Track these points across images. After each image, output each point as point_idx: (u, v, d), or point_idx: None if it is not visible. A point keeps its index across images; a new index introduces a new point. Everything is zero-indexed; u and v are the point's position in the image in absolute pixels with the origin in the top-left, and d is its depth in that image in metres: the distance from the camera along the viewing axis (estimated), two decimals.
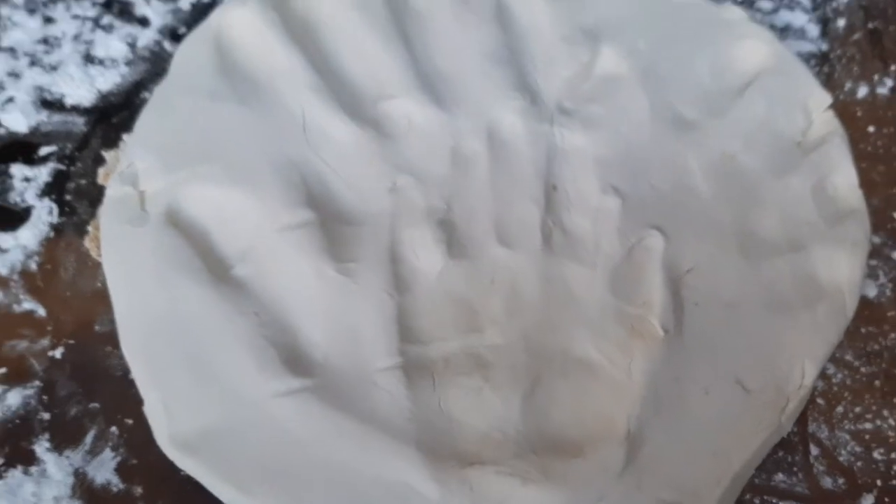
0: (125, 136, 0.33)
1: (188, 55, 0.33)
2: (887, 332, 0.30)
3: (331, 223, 0.30)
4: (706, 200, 0.30)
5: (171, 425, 0.26)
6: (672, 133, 0.32)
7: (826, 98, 0.32)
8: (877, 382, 0.29)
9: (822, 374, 0.29)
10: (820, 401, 0.29)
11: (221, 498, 0.26)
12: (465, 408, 0.27)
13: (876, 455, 0.28)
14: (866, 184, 0.31)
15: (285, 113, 0.32)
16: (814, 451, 0.28)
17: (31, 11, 0.40)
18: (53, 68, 0.38)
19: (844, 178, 0.30)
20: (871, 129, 0.34)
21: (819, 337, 0.28)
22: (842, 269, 0.29)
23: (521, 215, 0.30)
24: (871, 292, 0.31)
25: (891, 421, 0.29)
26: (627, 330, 0.28)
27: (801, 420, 0.29)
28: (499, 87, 0.32)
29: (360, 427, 0.27)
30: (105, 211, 0.30)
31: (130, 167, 0.31)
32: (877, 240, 0.32)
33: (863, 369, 0.30)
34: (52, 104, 0.37)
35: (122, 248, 0.29)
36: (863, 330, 0.30)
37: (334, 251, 0.29)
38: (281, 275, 0.29)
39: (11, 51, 0.39)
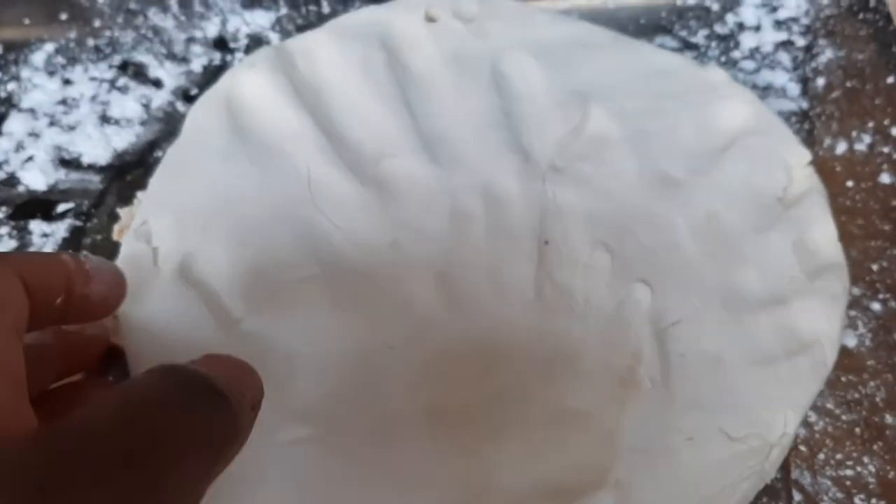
0: (139, 194, 0.35)
1: (200, 117, 0.35)
2: (867, 381, 0.31)
3: (336, 277, 0.31)
4: (691, 257, 0.32)
5: None
6: (659, 191, 0.33)
7: (806, 155, 0.33)
8: (857, 430, 0.30)
9: (805, 422, 0.30)
10: (802, 448, 0.30)
11: None
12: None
13: (857, 501, 0.29)
14: (845, 237, 0.32)
15: (293, 172, 0.33)
16: (797, 497, 0.30)
17: (51, 73, 0.42)
18: (72, 128, 0.40)
19: (824, 232, 0.32)
20: (849, 183, 0.36)
21: (801, 386, 0.29)
22: (822, 321, 0.30)
23: (515, 271, 0.32)
24: (851, 342, 0.32)
25: (871, 467, 0.29)
26: (617, 381, 0.30)
27: (785, 467, 0.30)
28: (494, 149, 0.34)
29: (370, 471, 0.28)
30: (121, 265, 0.31)
31: (144, 225, 0.32)
32: (856, 291, 0.33)
33: (844, 417, 0.31)
34: (69, 163, 0.39)
35: (135, 302, 0.30)
36: (843, 378, 0.31)
37: (339, 303, 0.31)
38: (288, 326, 0.30)
39: (31, 111, 0.41)
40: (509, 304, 0.31)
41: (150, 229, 0.32)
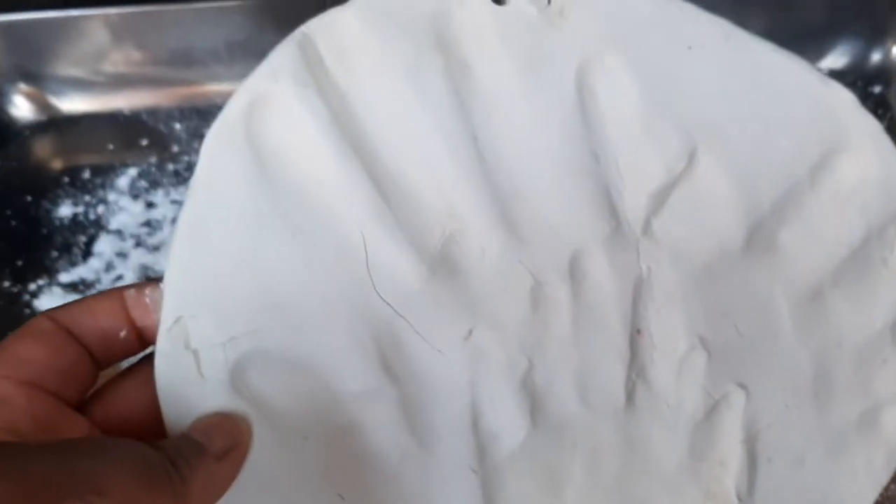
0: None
1: (216, 158, 0.27)
2: None
3: (406, 385, 0.27)
4: (789, 345, 0.29)
5: None
6: (760, 257, 0.29)
7: None
8: None
9: None
10: None
11: None
12: None
13: None
14: None
15: (343, 243, 0.27)
16: None
17: (135, 197, 0.44)
18: (156, 248, 0.41)
19: None
20: None
21: (871, 481, 0.30)
22: None
23: (605, 371, 0.29)
24: None
25: None
26: (702, 492, 0.29)
27: None
28: (579, 205, 0.28)
29: None
30: (160, 372, 0.26)
31: (179, 323, 0.26)
32: None
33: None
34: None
35: (184, 421, 0.26)
36: None
37: (411, 419, 0.27)
38: (358, 450, 0.27)
39: (119, 233, 0.42)
40: (598, 412, 0.28)
41: (186, 327, 0.26)
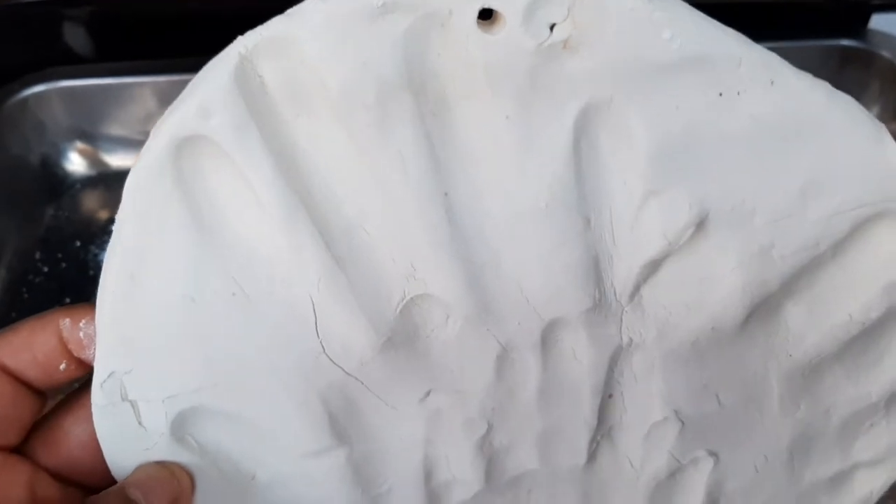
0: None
1: (142, 205, 0.23)
2: None
3: (357, 443, 0.26)
4: (772, 417, 0.27)
5: None
6: (761, 336, 0.26)
7: None
8: None
9: None
10: None
11: None
12: None
13: None
14: None
15: (290, 304, 0.24)
16: None
17: None
18: None
19: None
20: None
21: None
22: (879, 481, 0.28)
23: (570, 435, 0.27)
24: None
25: None
26: None
27: None
28: (562, 277, 0.24)
29: None
30: (98, 422, 0.25)
31: (112, 377, 0.24)
32: None
33: None
34: None
35: (131, 466, 0.25)
36: None
37: (361, 474, 0.26)
38: (306, 497, 0.26)
39: None
40: (558, 470, 0.27)
41: (120, 381, 0.24)
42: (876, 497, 0.29)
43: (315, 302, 0.24)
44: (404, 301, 0.24)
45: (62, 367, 0.25)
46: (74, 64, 0.55)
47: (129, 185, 0.23)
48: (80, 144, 0.57)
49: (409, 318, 0.25)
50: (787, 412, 0.27)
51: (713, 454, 0.27)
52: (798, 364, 0.26)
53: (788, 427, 0.27)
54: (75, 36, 0.56)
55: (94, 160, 0.58)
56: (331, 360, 0.25)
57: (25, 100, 0.55)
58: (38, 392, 0.25)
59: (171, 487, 0.25)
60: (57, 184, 0.57)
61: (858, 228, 0.24)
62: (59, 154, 0.57)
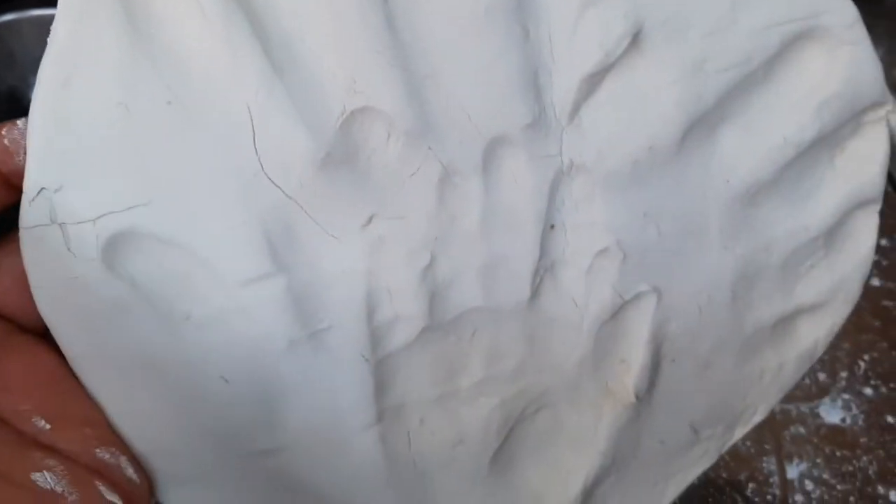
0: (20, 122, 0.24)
1: (76, 8, 0.23)
2: (860, 456, 0.35)
3: (296, 272, 0.25)
4: (712, 249, 0.27)
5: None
6: (697, 158, 0.26)
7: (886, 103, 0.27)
8: (851, 498, 0.34)
9: (803, 490, 0.34)
10: None
11: None
12: (439, 465, 0.28)
13: None
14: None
15: (227, 116, 0.23)
16: None
17: None
18: None
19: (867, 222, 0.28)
20: None
21: (777, 385, 0.30)
22: (823, 329, 0.29)
23: (512, 267, 0.27)
24: (847, 421, 0.36)
25: None
26: (601, 388, 0.28)
27: None
28: (502, 90, 0.24)
29: (336, 492, 0.27)
30: (25, 246, 0.24)
31: (42, 194, 0.23)
32: (849, 376, 0.37)
33: (839, 487, 0.34)
34: None
35: (58, 296, 0.24)
36: (838, 454, 0.35)
37: (300, 306, 0.25)
38: (242, 333, 0.25)
39: None
40: (500, 306, 0.27)
41: (51, 199, 0.23)
42: (821, 349, 0.29)
43: (253, 113, 0.23)
44: (345, 115, 0.24)
45: None
46: None
47: None
48: None
49: (350, 134, 0.24)
50: (727, 246, 0.27)
51: (656, 290, 0.27)
52: (736, 192, 0.27)
53: (730, 263, 0.27)
54: None
55: None
56: (269, 179, 0.24)
57: None
58: None
59: None
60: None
61: (788, 47, 0.25)
62: (29, 88, 0.52)
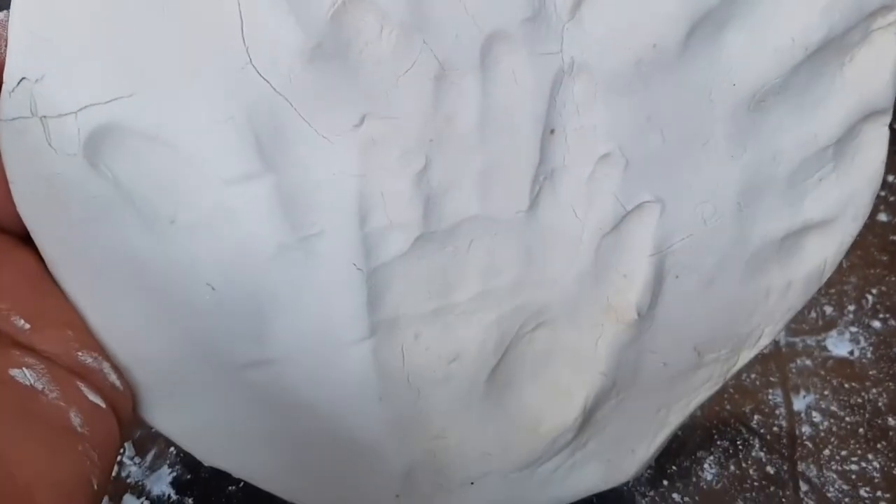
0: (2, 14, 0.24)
1: None
2: (869, 388, 0.35)
3: (285, 172, 0.24)
4: (718, 157, 0.26)
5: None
6: (702, 60, 0.25)
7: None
8: (861, 430, 0.34)
9: (810, 422, 0.34)
10: (808, 444, 0.33)
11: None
12: (433, 382, 0.27)
13: (863, 493, 0.32)
14: (847, 266, 0.35)
15: (216, 5, 0.22)
16: (803, 487, 0.32)
17: None
18: None
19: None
20: None
21: (784, 306, 0.29)
22: (831, 247, 0.28)
23: (511, 173, 0.25)
24: (855, 354, 0.35)
25: (875, 464, 0.33)
26: (602, 303, 0.28)
27: (790, 459, 0.32)
28: None
29: (327, 406, 0.27)
30: (4, 139, 0.23)
31: (22, 84, 0.22)
32: (857, 310, 0.37)
33: (847, 419, 0.34)
34: None
35: (38, 195, 0.23)
36: (846, 385, 0.35)
37: (290, 209, 0.24)
38: (229, 238, 0.24)
39: None
40: (497, 215, 0.26)
41: (31, 90, 0.22)
42: (829, 269, 0.28)
43: (241, 1, 0.22)
44: (336, 4, 0.23)
45: None
46: None
47: None
48: None
49: (342, 25, 0.23)
50: (733, 154, 0.26)
51: (659, 200, 0.26)
52: (743, 96, 0.26)
53: (736, 173, 0.26)
54: None
55: None
56: (257, 71, 0.23)
57: None
58: None
59: None
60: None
61: None
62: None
